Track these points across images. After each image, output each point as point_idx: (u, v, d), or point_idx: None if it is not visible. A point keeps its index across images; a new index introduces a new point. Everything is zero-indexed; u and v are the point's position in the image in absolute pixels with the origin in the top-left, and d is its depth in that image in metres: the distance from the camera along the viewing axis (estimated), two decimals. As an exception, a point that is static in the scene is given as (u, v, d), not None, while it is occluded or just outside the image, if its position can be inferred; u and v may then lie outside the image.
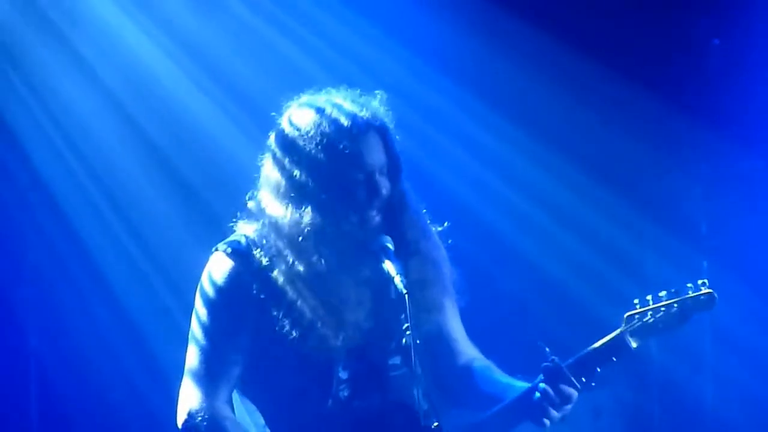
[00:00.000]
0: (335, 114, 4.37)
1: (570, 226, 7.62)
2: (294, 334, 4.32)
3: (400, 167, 4.44)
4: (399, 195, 4.44)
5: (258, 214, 4.45)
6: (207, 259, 4.48)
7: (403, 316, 4.13)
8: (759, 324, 7.36)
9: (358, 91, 4.48)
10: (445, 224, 4.64)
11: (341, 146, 4.33)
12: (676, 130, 7.66)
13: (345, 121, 4.35)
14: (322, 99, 4.44)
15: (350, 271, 4.38)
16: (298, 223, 4.34)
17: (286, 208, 4.38)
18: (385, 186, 4.37)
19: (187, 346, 4.44)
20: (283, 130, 4.44)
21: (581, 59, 7.43)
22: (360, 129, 4.35)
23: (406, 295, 4.15)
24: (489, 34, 7.47)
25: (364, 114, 4.38)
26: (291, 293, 4.34)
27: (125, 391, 7.27)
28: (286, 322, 4.33)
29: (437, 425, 4.22)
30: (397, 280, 4.19)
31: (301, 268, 4.33)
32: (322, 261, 4.33)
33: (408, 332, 4.12)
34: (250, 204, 4.48)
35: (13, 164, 7.10)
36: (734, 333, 7.41)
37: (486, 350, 4.66)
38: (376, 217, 4.37)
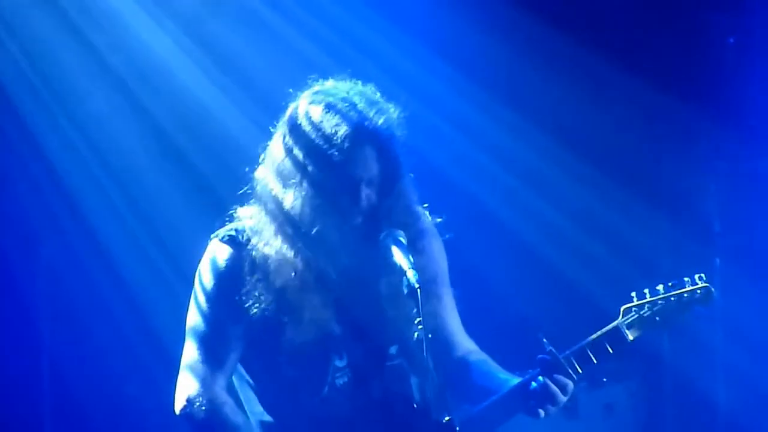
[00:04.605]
0: (339, 116, 4.36)
1: (584, 222, 7.62)
2: (288, 321, 4.36)
3: (396, 178, 4.43)
4: (395, 198, 4.44)
5: (255, 197, 4.49)
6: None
7: (415, 310, 4.13)
8: (771, 320, 7.37)
9: (378, 94, 4.48)
10: (442, 219, 4.67)
11: (332, 151, 4.34)
12: (690, 128, 7.66)
13: (344, 127, 4.34)
14: (337, 94, 4.43)
15: (348, 260, 4.42)
16: (290, 208, 4.38)
17: (281, 192, 4.41)
18: (369, 197, 4.37)
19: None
20: (291, 114, 4.46)
21: (596, 57, 7.43)
22: (355, 138, 4.34)
23: (419, 290, 4.15)
24: (503, 31, 7.47)
25: (369, 122, 4.36)
26: (284, 281, 4.37)
27: (139, 384, 7.28)
28: (280, 309, 4.37)
29: (449, 419, 4.24)
30: (410, 274, 4.18)
31: (292, 254, 4.37)
32: (315, 249, 4.38)
33: (420, 326, 4.13)
34: (251, 185, 4.52)
35: (28, 158, 7.11)
36: (746, 330, 7.41)
37: (499, 347, 4.68)
38: (357, 220, 4.38)
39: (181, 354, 4.51)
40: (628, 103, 7.58)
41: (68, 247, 7.22)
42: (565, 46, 7.45)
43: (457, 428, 4.26)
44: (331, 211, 4.37)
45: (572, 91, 7.54)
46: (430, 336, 4.14)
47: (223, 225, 4.55)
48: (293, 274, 4.37)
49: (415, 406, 4.41)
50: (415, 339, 4.14)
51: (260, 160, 4.52)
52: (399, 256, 4.26)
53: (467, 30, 7.46)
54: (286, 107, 4.51)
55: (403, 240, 4.32)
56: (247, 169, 4.53)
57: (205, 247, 4.54)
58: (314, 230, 4.37)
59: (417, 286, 4.14)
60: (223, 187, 6.82)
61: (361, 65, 6.90)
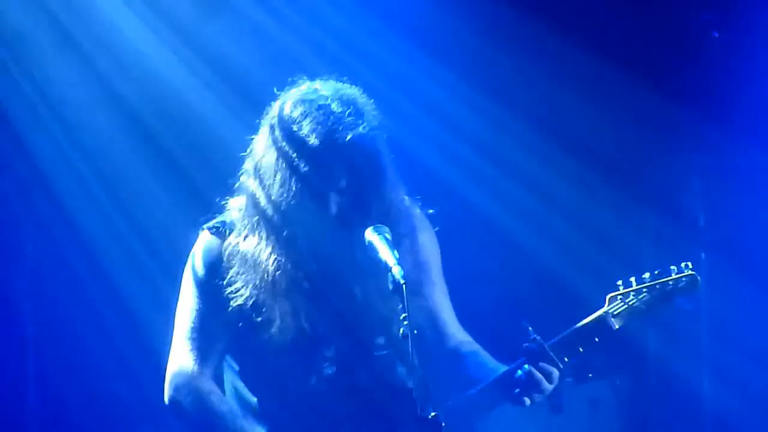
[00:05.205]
0: (312, 125, 4.38)
1: (568, 216, 7.62)
2: (262, 321, 4.40)
3: (373, 185, 4.44)
4: (373, 203, 4.46)
5: (239, 189, 4.55)
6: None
7: (400, 306, 4.13)
8: (756, 316, 7.36)
9: (361, 99, 4.48)
10: (430, 211, 4.69)
11: (302, 160, 4.38)
12: (674, 122, 7.66)
13: (314, 138, 4.37)
14: (317, 99, 4.43)
15: (319, 264, 4.46)
16: (265, 207, 4.43)
17: (258, 189, 4.46)
18: (340, 205, 4.40)
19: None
20: (272, 115, 4.50)
21: (580, 51, 7.42)
22: (324, 151, 4.37)
23: (404, 286, 4.14)
24: (487, 26, 7.47)
25: (341, 133, 4.37)
26: (257, 281, 4.41)
27: (125, 381, 7.26)
28: (256, 307, 4.41)
29: (434, 415, 4.24)
30: (395, 270, 4.18)
31: (266, 255, 4.41)
32: (287, 251, 4.41)
33: (405, 322, 4.12)
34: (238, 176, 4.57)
35: (12, 155, 7.09)
36: (732, 325, 7.42)
37: (480, 338, 4.69)
38: (327, 227, 4.41)
39: (168, 348, 4.54)
40: (612, 97, 7.57)
41: (53, 245, 7.20)
42: (548, 42, 7.45)
43: (443, 424, 4.27)
44: (301, 216, 4.40)
45: (556, 86, 7.54)
46: (415, 332, 4.14)
47: (215, 215, 4.60)
48: (266, 275, 4.41)
49: (402, 396, 4.43)
50: (400, 335, 4.14)
51: (247, 152, 4.55)
52: (384, 252, 4.26)
53: (454, 26, 7.46)
54: (275, 98, 4.54)
55: (388, 236, 4.32)
56: (241, 154, 4.55)
57: (192, 243, 4.59)
58: (285, 232, 4.41)
59: (402, 282, 4.13)
60: (209, 186, 6.80)
61: (348, 64, 6.89)
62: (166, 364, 4.56)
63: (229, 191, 4.62)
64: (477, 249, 7.32)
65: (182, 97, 7.14)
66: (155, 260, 7.06)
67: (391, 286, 4.16)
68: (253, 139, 4.57)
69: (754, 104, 7.55)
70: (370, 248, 4.29)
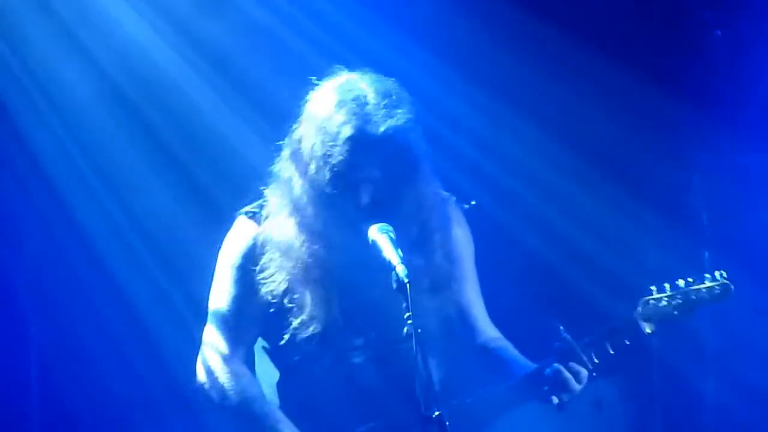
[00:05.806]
0: (345, 117, 4.43)
1: (570, 215, 7.60)
2: (293, 308, 4.42)
3: (403, 178, 4.49)
4: (404, 197, 4.48)
5: (276, 177, 4.61)
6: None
7: (404, 305, 4.13)
8: (760, 315, 7.36)
9: (395, 94, 4.51)
10: (473, 203, 4.73)
11: (333, 151, 4.43)
12: (677, 120, 7.65)
13: (346, 129, 4.42)
14: (352, 90, 4.49)
15: (348, 256, 4.50)
16: (299, 196, 4.45)
17: (294, 177, 4.52)
18: (373, 197, 4.44)
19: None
20: (309, 103, 4.55)
21: (582, 49, 7.41)
22: (355, 143, 4.42)
23: (408, 285, 4.15)
24: (487, 22, 7.46)
25: (373, 126, 4.41)
26: (289, 269, 4.43)
27: (128, 381, 7.25)
28: (287, 295, 4.44)
29: (438, 414, 4.23)
30: (399, 269, 4.19)
31: (299, 243, 4.45)
32: (318, 240, 4.43)
33: (410, 322, 4.12)
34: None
35: (12, 151, 7.08)
36: (736, 324, 7.41)
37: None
38: (357, 218, 4.44)
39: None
40: (613, 95, 7.56)
41: (54, 242, 7.19)
42: (549, 39, 7.44)
43: (447, 423, 4.26)
44: (331, 206, 4.42)
45: (557, 84, 7.53)
46: (419, 331, 4.14)
47: (253, 200, 4.68)
48: (298, 263, 4.45)
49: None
50: (404, 334, 4.14)
51: (285, 139, 4.61)
52: (388, 251, 4.26)
53: (455, 23, 7.46)
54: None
55: (392, 234, 4.33)
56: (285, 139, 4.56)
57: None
58: (317, 221, 4.44)
59: (406, 281, 4.14)
60: (211, 182, 6.81)
61: (347, 59, 6.85)
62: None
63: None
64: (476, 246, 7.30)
65: (184, 93, 7.13)
66: (156, 256, 7.05)
67: (394, 285, 4.16)
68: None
69: (757, 103, 7.56)
70: (374, 247, 4.30)
